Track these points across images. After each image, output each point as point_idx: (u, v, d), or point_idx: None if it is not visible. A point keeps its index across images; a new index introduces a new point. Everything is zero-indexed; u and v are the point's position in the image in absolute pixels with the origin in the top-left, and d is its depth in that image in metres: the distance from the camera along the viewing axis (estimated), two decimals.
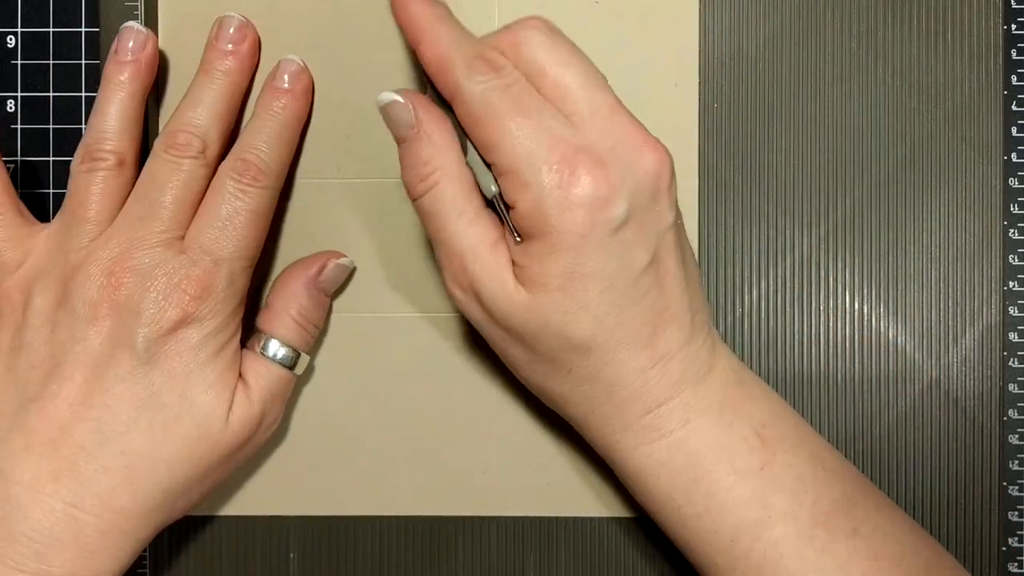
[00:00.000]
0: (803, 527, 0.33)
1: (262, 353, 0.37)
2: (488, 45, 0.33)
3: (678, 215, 0.35)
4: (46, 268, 0.35)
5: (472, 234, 0.34)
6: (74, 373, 0.34)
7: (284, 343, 0.38)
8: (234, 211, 0.36)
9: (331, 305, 0.40)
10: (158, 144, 0.36)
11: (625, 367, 0.34)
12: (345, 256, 0.39)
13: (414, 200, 0.34)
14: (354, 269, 0.40)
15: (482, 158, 0.33)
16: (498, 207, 0.34)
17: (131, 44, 0.37)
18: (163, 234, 0.35)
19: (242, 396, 0.36)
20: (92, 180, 0.36)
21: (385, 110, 0.34)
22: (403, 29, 0.35)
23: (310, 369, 0.40)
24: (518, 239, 0.33)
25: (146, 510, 0.34)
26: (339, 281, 0.40)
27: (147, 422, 0.34)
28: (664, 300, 0.34)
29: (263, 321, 0.38)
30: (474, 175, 0.34)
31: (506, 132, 0.32)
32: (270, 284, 0.39)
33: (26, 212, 0.37)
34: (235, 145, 0.37)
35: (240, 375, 0.36)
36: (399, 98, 0.34)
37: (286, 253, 0.40)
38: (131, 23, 0.37)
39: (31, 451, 0.34)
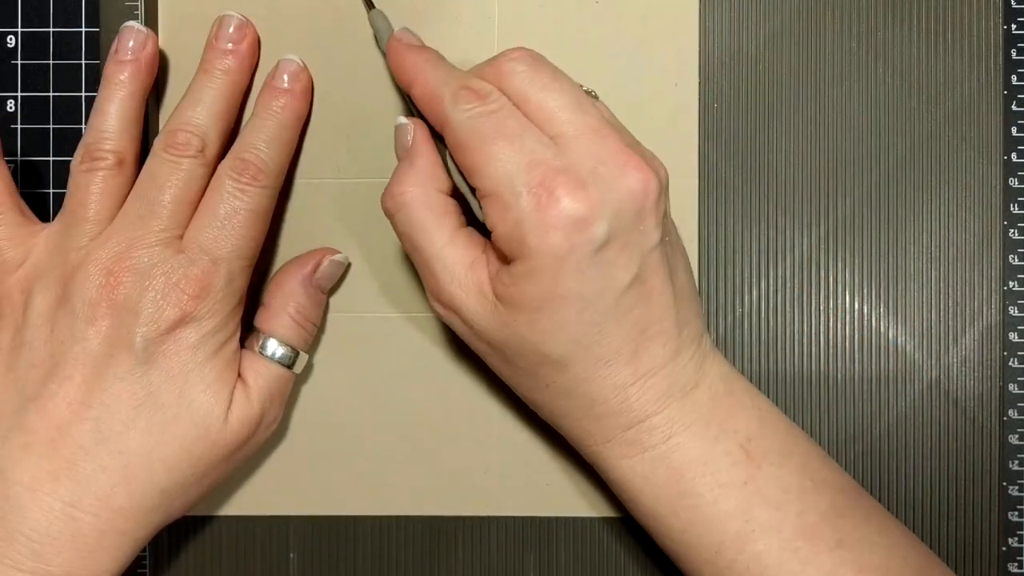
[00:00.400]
0: (786, 539, 0.33)
1: (261, 352, 0.37)
2: (474, 76, 0.34)
3: (668, 232, 0.34)
4: (46, 268, 0.35)
5: (445, 256, 0.34)
6: (73, 372, 0.34)
7: (283, 342, 0.38)
8: (233, 210, 0.36)
9: (330, 305, 0.40)
10: (157, 143, 0.36)
11: (605, 384, 0.34)
12: (339, 252, 0.39)
13: (389, 218, 0.35)
14: (349, 265, 0.40)
15: (468, 184, 0.34)
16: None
17: (131, 44, 0.37)
18: (162, 233, 0.35)
19: (241, 395, 0.36)
20: (92, 180, 0.36)
21: (395, 131, 0.36)
22: (396, 74, 0.36)
23: (310, 369, 0.40)
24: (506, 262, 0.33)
25: (144, 510, 0.34)
26: (335, 278, 0.40)
27: (145, 421, 0.34)
28: (648, 317, 0.33)
29: (261, 320, 0.38)
30: (468, 202, 0.35)
31: (489, 156, 0.32)
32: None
33: (27, 211, 0.37)
34: (234, 144, 0.37)
35: (239, 374, 0.36)
36: (405, 122, 0.35)
37: (285, 253, 0.40)
38: (131, 23, 0.37)
39: (31, 451, 0.34)
